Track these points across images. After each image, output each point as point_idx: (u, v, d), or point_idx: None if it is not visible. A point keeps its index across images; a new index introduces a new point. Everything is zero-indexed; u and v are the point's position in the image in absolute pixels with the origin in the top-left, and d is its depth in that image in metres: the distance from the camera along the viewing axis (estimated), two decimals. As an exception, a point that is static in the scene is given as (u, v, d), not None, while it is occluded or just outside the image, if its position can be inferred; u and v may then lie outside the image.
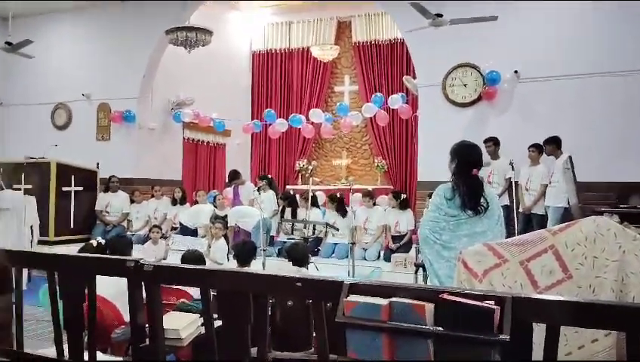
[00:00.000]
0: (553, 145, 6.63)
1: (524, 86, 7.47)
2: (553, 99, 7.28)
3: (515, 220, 6.59)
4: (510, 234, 3.96)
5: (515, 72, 7.43)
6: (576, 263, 2.36)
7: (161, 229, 7.39)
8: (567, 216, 6.16)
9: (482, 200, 3.33)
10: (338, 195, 8.00)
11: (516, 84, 7.51)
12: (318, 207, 8.22)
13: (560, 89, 7.23)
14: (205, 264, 3.92)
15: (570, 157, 6.31)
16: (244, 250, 4.35)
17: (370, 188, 9.25)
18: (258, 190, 7.37)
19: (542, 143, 6.73)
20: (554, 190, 6.56)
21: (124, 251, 3.92)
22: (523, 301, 1.48)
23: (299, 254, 4.10)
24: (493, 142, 7.07)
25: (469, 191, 3.33)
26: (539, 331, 1.51)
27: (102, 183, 9.05)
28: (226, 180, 9.18)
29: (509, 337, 1.41)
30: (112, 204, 8.89)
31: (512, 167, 6.60)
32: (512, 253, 2.43)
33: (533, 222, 6.77)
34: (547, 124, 7.07)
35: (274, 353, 2.94)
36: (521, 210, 6.85)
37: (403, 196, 7.89)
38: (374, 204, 7.97)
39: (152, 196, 9.06)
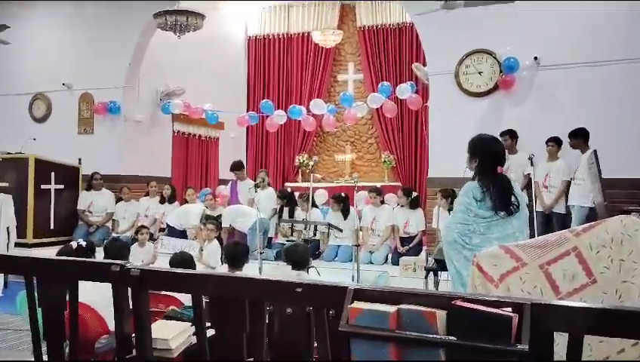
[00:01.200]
0: (580, 138, 6.58)
1: (544, 74, 7.43)
2: (577, 88, 7.24)
3: (535, 220, 6.56)
4: (530, 235, 3.95)
5: (535, 58, 7.39)
6: (601, 267, 2.36)
7: (148, 230, 7.40)
8: (592, 216, 6.14)
9: (513, 198, 3.33)
10: (343, 195, 7.97)
11: (536, 72, 7.48)
12: (316, 206, 8.20)
13: (585, 77, 7.17)
14: (196, 268, 3.92)
15: (595, 152, 6.27)
16: (236, 253, 4.32)
17: (377, 185, 9.24)
18: (255, 187, 7.29)
19: (568, 136, 6.68)
20: (579, 188, 6.51)
21: (121, 255, 3.90)
22: (543, 308, 1.48)
23: (299, 257, 4.10)
24: (510, 136, 7.04)
25: (499, 191, 3.32)
26: (560, 341, 1.51)
27: (84, 180, 9.07)
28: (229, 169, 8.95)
29: (527, 347, 1.40)
30: (95, 203, 8.90)
31: (532, 162, 6.55)
32: (531, 256, 2.42)
33: (553, 221, 6.76)
34: (570, 115, 7.03)
35: (272, 364, 2.94)
36: (540, 209, 6.82)
37: (414, 194, 7.87)
38: (382, 202, 7.96)
39: (147, 194, 9.04)
